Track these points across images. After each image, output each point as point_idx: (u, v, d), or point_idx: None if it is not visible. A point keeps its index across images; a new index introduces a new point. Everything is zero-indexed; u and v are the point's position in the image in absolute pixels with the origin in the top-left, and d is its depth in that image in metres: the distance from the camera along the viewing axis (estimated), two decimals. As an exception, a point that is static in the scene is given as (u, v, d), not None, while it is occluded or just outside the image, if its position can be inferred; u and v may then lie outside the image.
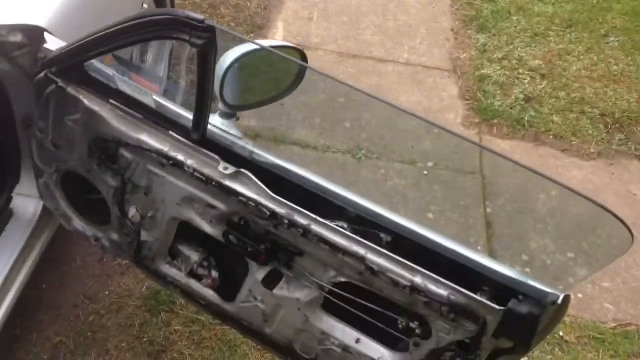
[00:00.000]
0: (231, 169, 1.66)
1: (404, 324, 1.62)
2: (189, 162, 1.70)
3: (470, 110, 4.24)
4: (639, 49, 4.90)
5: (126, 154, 1.81)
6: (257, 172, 1.65)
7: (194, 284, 1.93)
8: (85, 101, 1.82)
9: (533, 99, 4.33)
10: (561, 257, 3.30)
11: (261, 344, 1.98)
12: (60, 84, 1.83)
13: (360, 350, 1.72)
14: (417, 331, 1.61)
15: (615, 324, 3.04)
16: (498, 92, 4.35)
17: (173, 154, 1.72)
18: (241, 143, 1.74)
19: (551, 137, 4.11)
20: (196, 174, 1.69)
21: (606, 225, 1.34)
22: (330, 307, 1.72)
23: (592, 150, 4.05)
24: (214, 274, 1.92)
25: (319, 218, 1.58)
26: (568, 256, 3.35)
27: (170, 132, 1.73)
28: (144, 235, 1.92)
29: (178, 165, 1.72)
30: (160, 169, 1.76)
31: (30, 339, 2.54)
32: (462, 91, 4.41)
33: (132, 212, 1.90)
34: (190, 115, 1.71)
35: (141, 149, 1.76)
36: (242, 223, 1.69)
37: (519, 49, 4.78)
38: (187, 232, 1.87)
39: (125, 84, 1.84)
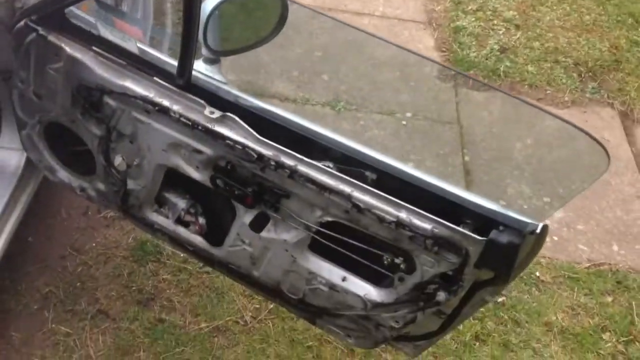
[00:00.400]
0: (217, 113, 1.65)
1: (389, 259, 1.65)
2: (175, 107, 1.69)
3: (446, 61, 4.24)
4: (610, -2, 4.95)
5: (110, 101, 1.79)
6: (242, 116, 1.65)
7: (181, 231, 1.94)
8: (67, 49, 1.78)
9: (508, 49, 4.37)
10: (538, 202, 3.39)
11: (249, 287, 2.01)
12: (41, 31, 1.79)
13: (347, 287, 1.75)
14: (402, 266, 1.64)
15: (589, 264, 3.15)
16: (473, 43, 4.36)
17: (158, 99, 1.71)
18: (226, 87, 1.73)
19: (526, 86, 4.17)
20: (182, 119, 1.69)
21: (583, 151, 1.39)
22: (317, 248, 1.74)
23: (566, 99, 4.12)
24: (201, 220, 1.92)
25: (305, 158, 1.59)
26: (544, 200, 3.44)
27: (155, 78, 1.71)
28: (131, 184, 1.92)
29: (163, 111, 1.71)
30: (145, 115, 1.75)
31: (20, 290, 2.56)
32: (438, 43, 4.42)
33: (118, 160, 1.89)
34: (174, 62, 1.69)
35: (126, 96, 1.74)
36: (228, 167, 1.70)
37: (493, 0, 4.78)
38: (173, 179, 1.87)
39: (108, 30, 1.82)
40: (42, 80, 1.87)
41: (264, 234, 1.77)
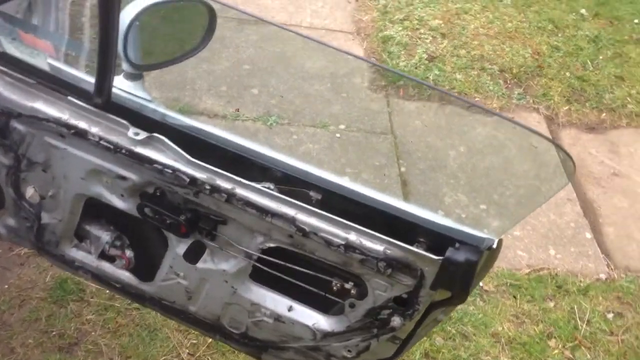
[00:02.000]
0: (142, 134, 1.53)
1: (338, 285, 1.55)
2: (93, 129, 1.55)
3: (375, 73, 4.22)
4: (529, 5, 5.09)
5: (18, 126, 1.62)
6: (171, 137, 1.52)
7: (106, 267, 1.81)
8: None
9: (436, 57, 4.39)
10: (475, 210, 3.38)
11: (185, 323, 1.87)
12: None
13: (293, 317, 1.65)
14: (353, 291, 1.55)
15: (529, 270, 3.16)
16: (402, 52, 4.38)
17: (74, 122, 1.56)
18: (151, 105, 1.60)
19: (456, 94, 4.18)
20: (102, 142, 1.55)
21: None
22: (259, 276, 1.65)
23: (495, 106, 4.17)
24: (129, 253, 1.79)
25: (243, 180, 1.48)
26: (481, 208, 3.43)
27: (69, 97, 1.56)
28: (45, 217, 1.75)
29: (80, 134, 1.56)
30: (59, 140, 1.60)
31: None
32: (367, 53, 4.41)
33: (30, 192, 1.72)
34: (91, 78, 1.55)
35: (36, 119, 1.58)
36: (157, 193, 1.58)
37: (419, 9, 4.81)
38: (94, 210, 1.74)
39: (13, 45, 1.62)
40: None
41: (200, 264, 1.65)
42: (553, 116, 4.20)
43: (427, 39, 4.53)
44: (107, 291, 2.51)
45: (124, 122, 1.54)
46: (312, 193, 1.51)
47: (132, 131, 1.53)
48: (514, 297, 2.96)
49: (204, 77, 3.81)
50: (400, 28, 4.61)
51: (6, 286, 2.55)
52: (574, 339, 2.83)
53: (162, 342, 2.49)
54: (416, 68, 4.27)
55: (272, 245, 1.55)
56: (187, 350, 2.48)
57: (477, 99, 4.19)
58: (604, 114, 4.23)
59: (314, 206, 1.48)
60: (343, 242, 1.46)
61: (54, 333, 2.46)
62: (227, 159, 1.53)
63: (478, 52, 4.43)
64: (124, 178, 1.60)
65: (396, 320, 1.53)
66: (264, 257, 1.58)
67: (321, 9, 4.74)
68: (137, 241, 1.80)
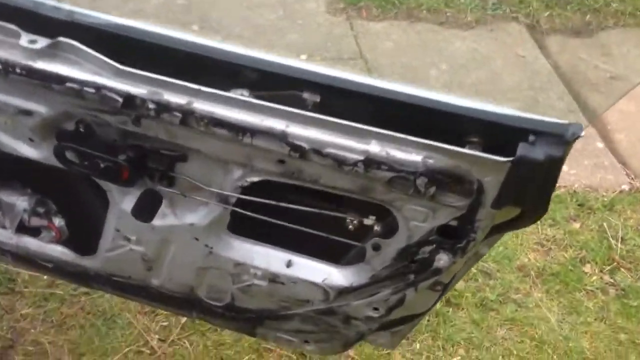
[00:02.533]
0: (42, 41, 1.17)
1: (354, 223, 1.26)
2: None
3: None
4: None
5: None
6: (85, 41, 1.17)
7: (30, 243, 1.51)
8: None
9: None
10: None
11: (149, 303, 1.61)
12: None
13: (295, 275, 1.37)
14: (376, 228, 1.26)
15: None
16: None
17: None
18: (50, 2, 1.23)
19: (424, 11, 3.84)
20: None
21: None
22: (242, 227, 1.37)
23: (469, 19, 3.84)
24: (57, 221, 1.50)
25: (203, 88, 1.14)
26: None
27: None
28: None
29: None
30: None
31: None
32: None
33: None
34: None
35: None
36: (81, 129, 1.26)
37: None
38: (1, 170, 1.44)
39: None
40: None
41: (157, 221, 1.35)
42: (534, 24, 3.90)
43: (382, -46, 4.16)
44: (45, 277, 2.21)
45: (11, 26, 1.17)
46: (306, 95, 1.16)
47: (25, 38, 1.17)
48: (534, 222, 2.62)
49: (132, 16, 3.28)
50: None
51: None
52: (611, 261, 2.53)
53: (123, 330, 2.16)
54: None
55: (255, 179, 1.24)
56: (157, 336, 2.15)
57: (448, 14, 3.88)
58: (588, 16, 3.95)
59: (311, 112, 1.15)
60: (361, 157, 1.12)
61: (-21, 337, 2.09)
62: (173, 66, 1.17)
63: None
64: (28, 113, 1.25)
65: (443, 259, 1.25)
66: (245, 197, 1.26)
67: None
68: (67, 203, 1.51)
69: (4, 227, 1.48)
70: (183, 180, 1.28)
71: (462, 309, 2.27)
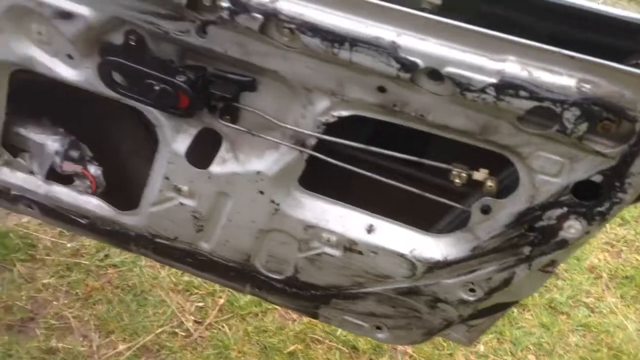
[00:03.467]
0: None
1: (461, 176, 1.03)
2: None
3: None
4: None
5: None
6: None
7: (60, 192, 1.34)
8: None
9: None
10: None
11: (195, 271, 1.40)
12: None
13: (377, 243, 1.15)
14: (489, 184, 1.03)
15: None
16: None
17: None
18: None
19: None
20: None
21: None
22: (315, 181, 1.17)
23: None
24: (93, 169, 1.34)
25: None
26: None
27: None
28: None
29: None
30: None
31: None
32: None
33: None
34: None
35: None
36: (131, 42, 1.07)
37: None
38: (29, 102, 1.26)
39: None
40: None
41: (215, 168, 1.17)
42: None
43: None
44: (69, 245, 2.08)
45: None
46: None
47: None
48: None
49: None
50: None
51: None
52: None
53: (155, 308, 1.98)
54: None
55: (343, 113, 1.03)
56: (193, 317, 1.98)
57: None
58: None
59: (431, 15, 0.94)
60: (493, 80, 0.90)
61: (-1, 307, 1.98)
62: None
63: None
64: (68, 16, 1.06)
65: (574, 227, 1.01)
66: (329, 139, 1.05)
67: None
68: (106, 146, 1.35)
69: (31, 172, 1.33)
70: (250, 114, 1.08)
71: (529, 310, 2.08)
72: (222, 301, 2.01)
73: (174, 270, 1.90)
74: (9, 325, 1.95)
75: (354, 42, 0.92)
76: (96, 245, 2.03)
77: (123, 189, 1.36)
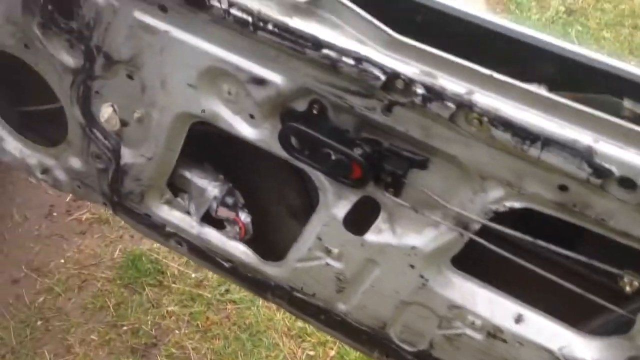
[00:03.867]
0: None
1: (634, 283, 0.99)
2: None
3: None
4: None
5: None
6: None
7: (211, 235, 1.39)
8: None
9: (575, 11, 3.83)
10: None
11: (326, 328, 1.41)
12: None
13: (524, 334, 1.13)
14: None
15: None
16: (533, 3, 3.85)
17: None
18: None
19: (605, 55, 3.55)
20: (234, 11, 1.04)
21: None
22: (468, 263, 1.16)
23: None
24: (244, 216, 1.37)
25: (495, 74, 0.92)
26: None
27: None
28: (127, 155, 1.34)
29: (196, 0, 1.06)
30: (158, 17, 1.12)
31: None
32: (491, 4, 3.85)
33: (106, 112, 1.29)
34: None
35: None
36: (314, 111, 1.10)
37: None
38: (200, 146, 1.32)
39: None
40: None
41: (370, 236, 1.17)
42: None
43: (562, -12, 4.02)
44: (194, 276, 2.17)
45: None
46: (627, 103, 0.94)
47: None
48: None
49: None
50: None
51: (62, 261, 2.17)
52: None
53: (268, 350, 2.05)
54: (552, 22, 3.72)
55: (516, 205, 1.02)
56: None
57: (632, 64, 3.50)
58: None
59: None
60: None
61: (124, 328, 2.09)
62: (448, 42, 0.98)
63: (627, 7, 3.88)
64: (261, 82, 1.10)
65: None
66: (496, 227, 1.03)
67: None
68: (262, 197, 1.41)
69: (188, 212, 1.39)
70: (415, 190, 1.09)
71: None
72: (332, 353, 2.03)
73: (288, 314, 1.95)
74: (134, 349, 2.05)
75: (547, 141, 0.91)
76: (218, 279, 2.10)
77: (271, 238, 1.39)
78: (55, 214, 2.27)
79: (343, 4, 0.96)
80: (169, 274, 2.20)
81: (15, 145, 1.50)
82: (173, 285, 2.19)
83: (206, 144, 1.32)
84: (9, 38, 1.27)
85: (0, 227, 2.23)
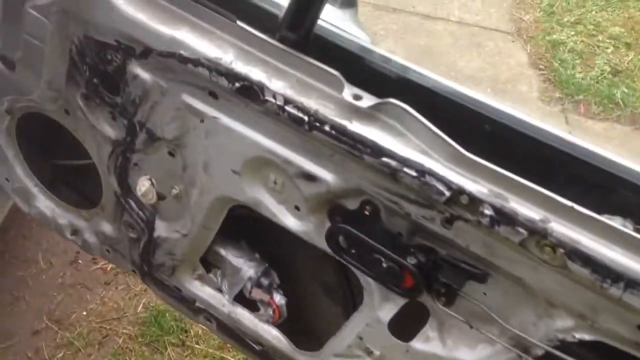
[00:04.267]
0: (369, 98, 0.94)
1: None
2: (275, 84, 0.98)
3: (546, 82, 3.57)
4: None
5: (141, 72, 1.10)
6: (416, 105, 0.93)
7: (243, 316, 1.31)
8: None
9: (621, 72, 3.67)
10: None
11: None
12: None
13: None
14: None
15: None
16: (577, 61, 3.70)
17: (242, 69, 0.99)
18: (377, 50, 1.01)
19: None
20: (289, 109, 0.97)
21: None
22: None
23: None
24: (278, 298, 1.29)
25: (577, 206, 0.84)
26: None
27: (239, 24, 1.00)
28: (161, 229, 1.29)
29: (251, 92, 0.99)
30: (208, 101, 1.07)
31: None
32: (533, 58, 3.74)
33: (144, 186, 1.24)
34: None
35: (175, 60, 1.03)
36: (366, 212, 1.02)
37: (593, 12, 4.08)
38: (237, 225, 1.25)
39: None
40: (16, 32, 1.19)
41: (417, 343, 1.08)
42: None
43: (607, 48, 3.80)
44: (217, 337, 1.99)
45: (335, 73, 0.94)
46: None
47: (349, 91, 0.94)
48: None
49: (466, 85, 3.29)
50: (572, 32, 3.92)
51: (84, 313, 2.10)
52: None
53: None
54: (597, 82, 3.58)
55: (586, 338, 0.92)
56: None
57: None
58: None
59: None
60: None
61: (146, 390, 2.01)
62: (525, 164, 0.92)
63: (676, 69, 3.78)
64: (312, 178, 1.03)
65: None
66: (562, 355, 0.92)
67: (472, 2, 4.15)
68: (297, 281, 1.32)
69: (219, 290, 1.32)
70: (469, 303, 1.00)
71: None
72: None
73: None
74: (155, 414, 1.91)
75: (631, 283, 0.82)
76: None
77: (308, 326, 1.31)
78: (80, 261, 2.20)
79: (407, 112, 0.89)
80: (192, 334, 2.11)
81: (46, 204, 1.46)
82: (196, 346, 2.09)
83: (243, 222, 1.24)
84: (49, 103, 1.24)
85: (24, 272, 2.15)
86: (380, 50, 0.96)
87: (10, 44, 1.19)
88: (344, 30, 0.99)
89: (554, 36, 3.86)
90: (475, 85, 3.45)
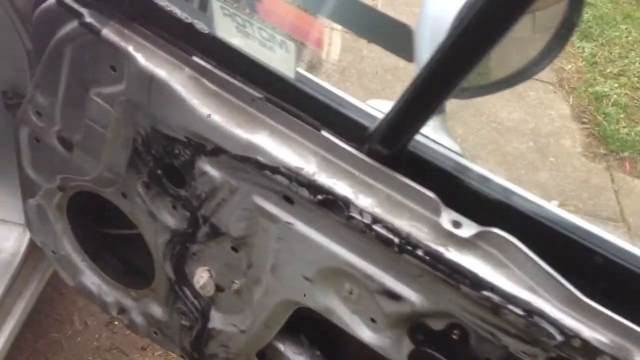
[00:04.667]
0: (470, 226, 0.83)
1: None
2: (362, 201, 0.88)
3: (590, 136, 3.44)
4: None
5: (211, 169, 1.01)
6: (522, 235, 0.81)
7: None
8: (139, 57, 0.98)
9: None
10: None
11: None
12: (89, 19, 0.99)
13: None
14: None
15: None
16: (622, 116, 3.59)
17: (326, 181, 0.90)
18: (476, 168, 0.89)
19: None
20: (378, 228, 0.87)
21: None
22: None
23: None
24: None
25: None
26: None
27: (323, 132, 0.91)
28: (217, 321, 1.21)
29: (334, 207, 0.90)
30: (282, 207, 0.98)
31: None
32: (576, 111, 3.61)
33: (202, 277, 1.14)
34: (364, 105, 0.91)
35: (250, 164, 0.95)
36: (454, 336, 0.92)
37: (637, 63, 3.98)
38: (298, 321, 1.15)
39: (233, 22, 0.88)
40: (78, 116, 1.12)
41: None
42: None
43: (652, 102, 3.73)
44: None
45: (431, 195, 0.83)
46: None
47: (447, 216, 0.84)
48: None
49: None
50: (615, 85, 3.80)
51: None
52: None
53: None
54: None
55: None
56: None
57: None
58: None
59: None
60: None
61: None
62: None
63: None
64: (395, 297, 0.93)
65: None
66: None
67: (512, 52, 4.03)
68: None
69: None
70: None
71: None
72: None
73: None
74: None
75: None
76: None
77: None
78: (116, 322, 2.04)
79: (516, 247, 0.78)
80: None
81: (93, 280, 1.39)
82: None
83: (304, 318, 1.14)
84: (107, 185, 1.16)
85: (59, 334, 2.00)
86: (479, 168, 0.87)
87: (70, 127, 1.12)
88: (436, 142, 0.90)
89: (597, 88, 3.74)
90: (519, 138, 3.33)
